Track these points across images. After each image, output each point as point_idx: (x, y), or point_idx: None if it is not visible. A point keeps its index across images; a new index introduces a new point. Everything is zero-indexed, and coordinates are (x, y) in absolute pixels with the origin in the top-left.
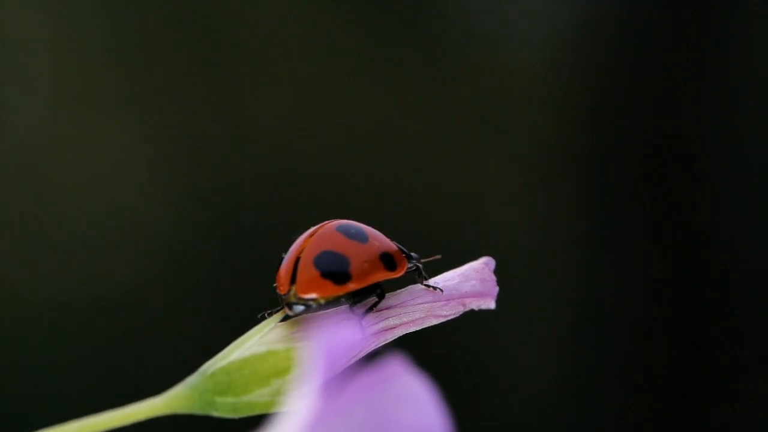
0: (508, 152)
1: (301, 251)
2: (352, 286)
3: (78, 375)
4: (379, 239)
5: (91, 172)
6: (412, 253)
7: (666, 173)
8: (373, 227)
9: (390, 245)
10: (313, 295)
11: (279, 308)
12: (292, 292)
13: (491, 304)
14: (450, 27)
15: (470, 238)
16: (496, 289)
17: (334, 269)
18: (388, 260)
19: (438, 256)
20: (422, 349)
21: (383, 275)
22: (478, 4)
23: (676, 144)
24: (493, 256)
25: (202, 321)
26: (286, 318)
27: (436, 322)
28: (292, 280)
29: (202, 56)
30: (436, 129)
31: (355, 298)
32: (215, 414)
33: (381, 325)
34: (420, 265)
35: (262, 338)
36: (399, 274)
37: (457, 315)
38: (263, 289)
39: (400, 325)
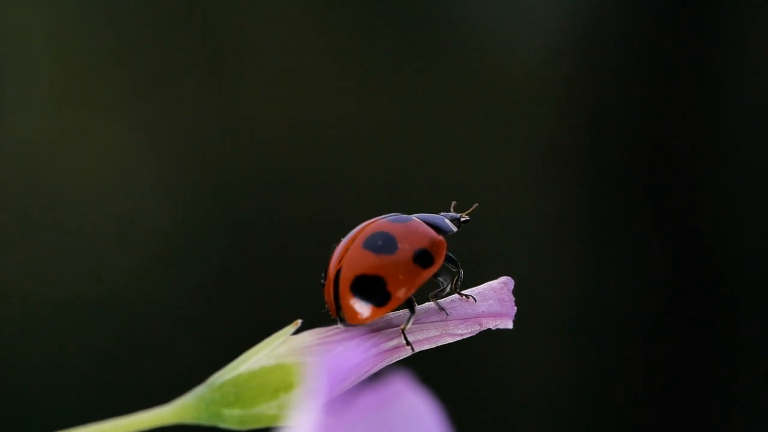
0: (508, 152)
1: (337, 273)
2: (397, 300)
3: (78, 375)
4: (411, 237)
5: (91, 172)
6: (452, 215)
7: (666, 173)
8: (402, 213)
9: (423, 237)
10: (363, 319)
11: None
12: (341, 318)
13: (509, 324)
14: (450, 27)
15: (470, 238)
16: (514, 309)
17: (371, 294)
18: (424, 259)
19: (476, 204)
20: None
21: (425, 275)
22: (478, 5)
23: (676, 144)
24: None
25: (202, 320)
26: (297, 332)
27: (451, 341)
28: (337, 306)
29: (203, 56)
30: (436, 129)
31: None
32: (222, 425)
33: (394, 342)
34: (458, 266)
35: (272, 351)
36: (439, 265)
37: (473, 334)
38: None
39: (414, 342)
